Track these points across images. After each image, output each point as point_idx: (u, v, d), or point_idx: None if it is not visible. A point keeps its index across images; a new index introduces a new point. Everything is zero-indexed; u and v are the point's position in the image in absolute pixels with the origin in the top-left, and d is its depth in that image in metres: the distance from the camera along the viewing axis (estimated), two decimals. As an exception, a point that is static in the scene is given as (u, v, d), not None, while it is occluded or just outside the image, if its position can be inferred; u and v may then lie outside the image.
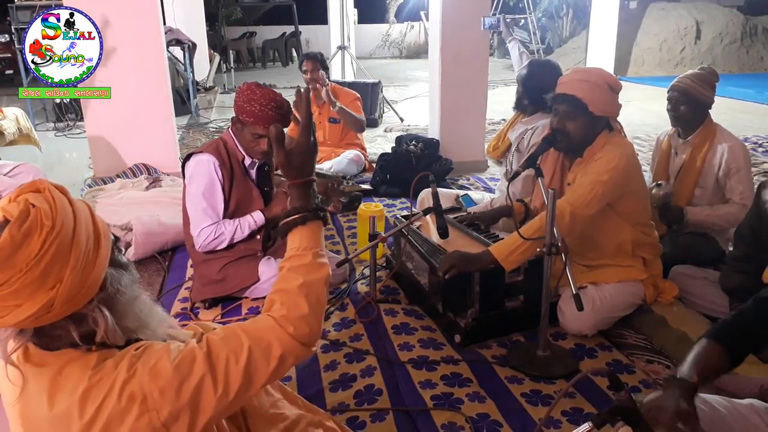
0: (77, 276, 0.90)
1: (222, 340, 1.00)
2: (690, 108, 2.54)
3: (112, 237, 1.02)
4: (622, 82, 2.26)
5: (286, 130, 4.29)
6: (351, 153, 4.35)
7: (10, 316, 0.88)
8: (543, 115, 2.71)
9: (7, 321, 0.89)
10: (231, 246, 2.42)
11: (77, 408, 0.90)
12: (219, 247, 2.40)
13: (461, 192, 3.22)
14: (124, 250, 1.07)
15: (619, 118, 2.21)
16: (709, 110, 2.59)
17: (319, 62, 4.26)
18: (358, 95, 4.49)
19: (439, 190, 2.36)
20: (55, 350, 0.94)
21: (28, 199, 0.90)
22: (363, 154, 4.52)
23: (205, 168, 2.33)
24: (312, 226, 1.13)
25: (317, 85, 4.17)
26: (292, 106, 1.13)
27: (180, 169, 2.61)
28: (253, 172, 2.47)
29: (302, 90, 1.22)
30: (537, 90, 2.72)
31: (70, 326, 0.92)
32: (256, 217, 2.43)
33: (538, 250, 1.92)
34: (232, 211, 2.41)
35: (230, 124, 2.43)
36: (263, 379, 1.01)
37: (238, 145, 2.40)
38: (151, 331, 1.03)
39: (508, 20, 3.88)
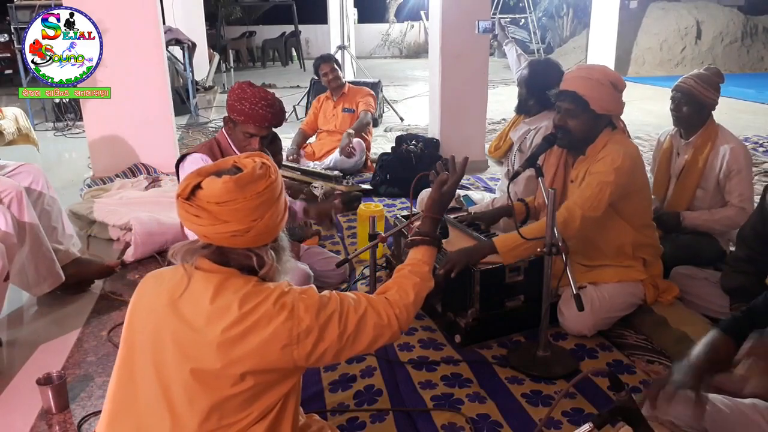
0: (271, 221, 1.14)
1: (348, 296, 1.24)
2: (692, 109, 2.54)
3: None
4: (622, 81, 2.24)
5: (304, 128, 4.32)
6: (353, 140, 4.38)
7: (217, 227, 1.10)
8: (547, 114, 2.69)
9: (212, 230, 1.11)
10: None
11: (237, 303, 1.10)
12: None
13: (462, 192, 3.21)
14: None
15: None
16: (712, 111, 2.59)
17: (335, 61, 4.56)
18: (372, 92, 4.75)
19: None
20: (227, 267, 1.15)
21: (260, 158, 1.17)
22: (366, 142, 4.58)
23: (198, 165, 2.32)
24: (432, 249, 1.48)
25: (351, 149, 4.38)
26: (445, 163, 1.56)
27: (179, 169, 2.58)
28: None
29: (457, 161, 1.54)
30: (541, 89, 2.71)
31: (250, 254, 1.15)
32: (296, 205, 2.44)
33: (538, 249, 1.91)
34: None
35: (223, 124, 2.42)
36: (367, 339, 1.22)
37: (231, 144, 2.39)
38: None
39: (505, 22, 3.89)
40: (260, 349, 1.09)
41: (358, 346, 1.21)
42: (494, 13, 12.14)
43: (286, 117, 4.50)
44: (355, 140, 4.38)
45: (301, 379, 1.26)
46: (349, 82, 4.85)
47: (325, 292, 1.20)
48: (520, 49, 3.70)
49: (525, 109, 2.85)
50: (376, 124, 6.68)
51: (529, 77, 2.78)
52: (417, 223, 1.57)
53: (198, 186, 1.11)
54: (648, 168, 2.88)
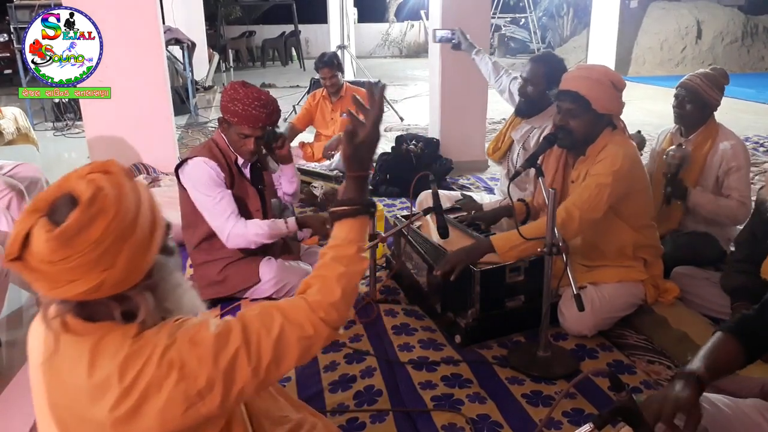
0: (129, 262, 0.93)
1: (256, 316, 1.03)
2: (695, 107, 2.54)
3: (166, 222, 1.05)
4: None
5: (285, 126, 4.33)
6: None
7: (63, 290, 0.92)
8: (549, 112, 2.66)
9: (58, 293, 0.93)
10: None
11: (117, 373, 0.92)
12: (249, 246, 2.37)
13: (461, 194, 3.18)
14: (171, 234, 1.08)
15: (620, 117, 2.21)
16: (714, 112, 2.59)
17: (336, 66, 4.40)
18: None
19: (440, 191, 2.35)
20: (96, 321, 0.97)
21: (98, 182, 0.93)
22: None
23: (203, 169, 2.31)
24: (361, 220, 1.17)
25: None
26: (356, 99, 1.21)
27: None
28: (246, 171, 2.45)
29: (376, 85, 1.20)
30: (556, 83, 2.66)
31: (113, 305, 0.95)
32: (290, 224, 2.40)
33: (539, 249, 1.91)
34: None
35: (218, 124, 2.42)
36: (293, 358, 1.04)
37: (228, 144, 2.38)
38: (185, 314, 1.07)
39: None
40: (160, 418, 0.93)
41: (284, 368, 1.04)
42: (494, 13, 12.14)
43: (286, 117, 4.46)
44: None
45: (240, 406, 1.13)
46: (348, 82, 4.81)
47: (223, 324, 1.00)
48: (494, 57, 3.52)
49: (537, 107, 2.75)
50: (376, 124, 6.69)
51: (548, 72, 2.67)
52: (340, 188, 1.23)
53: (28, 235, 0.90)
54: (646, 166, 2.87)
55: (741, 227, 2.40)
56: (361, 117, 1.17)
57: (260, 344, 1.00)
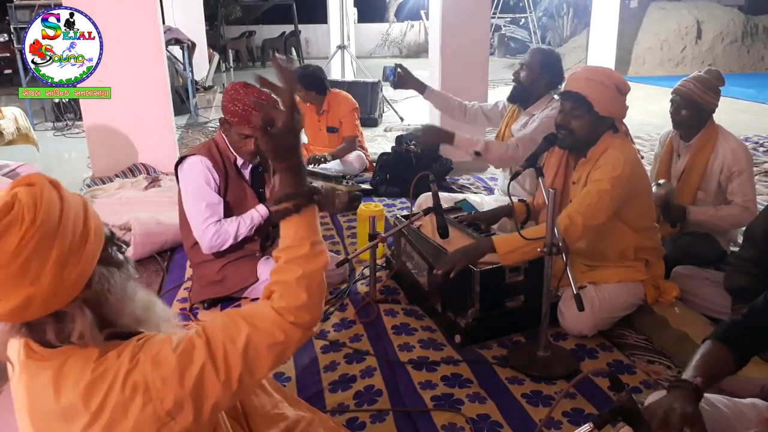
0: (58, 273, 0.88)
1: (220, 328, 0.99)
2: (692, 113, 2.54)
3: (108, 233, 1.01)
4: (622, 81, 2.24)
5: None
6: (353, 154, 4.34)
7: None
8: (545, 100, 2.77)
9: None
10: (234, 245, 2.39)
11: (82, 400, 0.91)
12: (225, 246, 2.35)
13: (461, 196, 3.17)
14: (125, 247, 1.06)
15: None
16: (712, 114, 2.58)
17: (308, 85, 4.00)
18: (356, 106, 4.29)
19: (439, 193, 2.34)
20: (56, 347, 0.94)
21: (16, 194, 0.89)
22: (365, 154, 4.51)
23: (198, 168, 2.32)
24: (306, 213, 1.08)
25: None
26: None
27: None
28: (246, 173, 2.45)
29: (279, 58, 1.03)
30: (550, 72, 2.77)
31: (48, 324, 0.92)
32: (261, 210, 2.38)
33: (538, 250, 1.91)
34: (227, 212, 2.38)
35: (219, 125, 2.42)
36: (266, 365, 1.01)
37: (229, 145, 2.38)
38: (153, 327, 1.03)
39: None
40: None
41: (259, 375, 1.02)
42: (494, 13, 12.14)
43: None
44: (354, 154, 4.31)
45: (221, 414, 1.12)
46: (335, 82, 4.50)
47: (186, 341, 0.97)
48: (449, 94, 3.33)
49: (530, 94, 2.84)
50: (375, 124, 6.69)
51: (544, 60, 2.82)
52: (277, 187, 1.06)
53: None
54: (648, 168, 2.87)
55: (744, 228, 2.37)
56: (278, 102, 1.04)
57: (227, 357, 0.97)
